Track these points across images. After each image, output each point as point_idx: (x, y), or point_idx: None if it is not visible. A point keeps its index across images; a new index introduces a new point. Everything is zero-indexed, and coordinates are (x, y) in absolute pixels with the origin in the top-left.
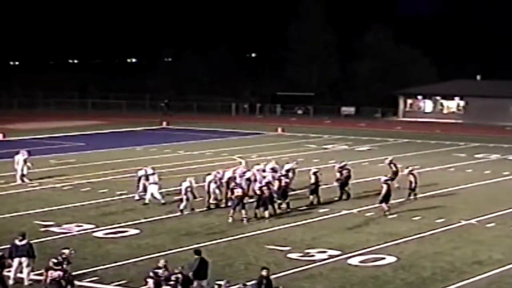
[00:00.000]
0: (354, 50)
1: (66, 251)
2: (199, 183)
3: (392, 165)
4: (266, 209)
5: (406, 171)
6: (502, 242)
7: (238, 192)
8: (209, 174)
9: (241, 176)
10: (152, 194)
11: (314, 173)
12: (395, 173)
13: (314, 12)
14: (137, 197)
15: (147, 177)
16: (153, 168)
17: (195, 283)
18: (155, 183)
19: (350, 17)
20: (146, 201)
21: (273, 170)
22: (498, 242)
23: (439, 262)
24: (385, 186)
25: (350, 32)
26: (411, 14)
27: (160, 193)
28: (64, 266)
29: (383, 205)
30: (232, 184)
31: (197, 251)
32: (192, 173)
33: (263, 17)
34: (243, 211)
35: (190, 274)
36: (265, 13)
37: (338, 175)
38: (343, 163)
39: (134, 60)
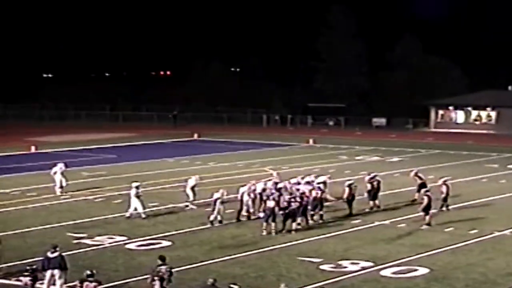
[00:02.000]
0: (384, 61)
1: (163, 268)
2: (230, 194)
3: (417, 177)
4: (293, 221)
5: (440, 181)
6: None
7: (271, 204)
8: (243, 185)
9: (274, 188)
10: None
11: (349, 186)
12: (423, 185)
13: (345, 23)
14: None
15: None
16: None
17: None
18: (138, 197)
19: (381, 28)
20: (127, 215)
21: (308, 183)
22: None
23: (472, 274)
24: (426, 198)
25: (381, 43)
26: (435, 20)
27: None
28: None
29: (426, 217)
30: (264, 196)
31: (162, 258)
32: (223, 185)
33: (294, 28)
34: (273, 224)
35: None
36: (296, 24)
37: (369, 186)
38: (373, 174)
39: (164, 72)
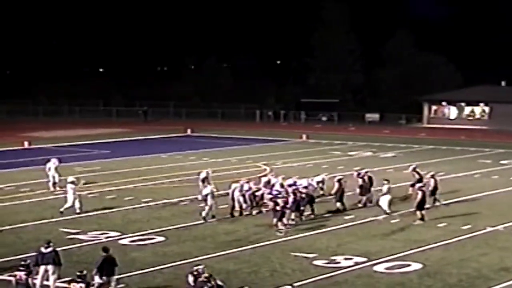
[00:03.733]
0: (378, 56)
1: (200, 267)
2: (223, 190)
3: (415, 172)
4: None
5: (427, 175)
6: None
7: (280, 202)
8: (235, 181)
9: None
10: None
11: (338, 180)
12: (419, 180)
13: (339, 19)
14: (200, 198)
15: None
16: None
17: (98, 279)
18: (74, 192)
19: (374, 24)
20: (62, 209)
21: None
22: None
23: (465, 269)
24: (420, 193)
25: (375, 38)
26: (428, 16)
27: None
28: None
29: (418, 212)
30: (271, 196)
31: (105, 249)
32: (217, 180)
33: (288, 24)
34: (284, 220)
35: (95, 270)
36: (290, 20)
37: (360, 181)
38: (363, 171)
39: (158, 68)
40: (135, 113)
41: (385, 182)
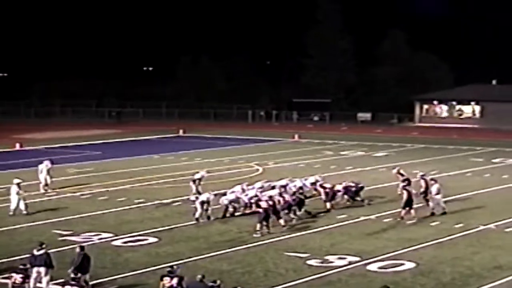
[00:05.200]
0: (371, 56)
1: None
2: (216, 191)
3: (399, 174)
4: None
5: (418, 175)
6: None
7: (263, 205)
8: (231, 191)
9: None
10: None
11: (321, 186)
12: (405, 180)
13: (332, 19)
14: (192, 198)
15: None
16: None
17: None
18: (18, 194)
19: (368, 23)
20: (11, 212)
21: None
22: None
23: (458, 267)
24: (405, 193)
25: (368, 38)
26: (425, 15)
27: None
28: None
29: (403, 211)
30: (254, 198)
31: (81, 247)
32: (209, 181)
33: (281, 24)
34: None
35: (72, 268)
36: (283, 19)
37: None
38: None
39: (151, 68)
40: (127, 114)
41: (433, 182)
